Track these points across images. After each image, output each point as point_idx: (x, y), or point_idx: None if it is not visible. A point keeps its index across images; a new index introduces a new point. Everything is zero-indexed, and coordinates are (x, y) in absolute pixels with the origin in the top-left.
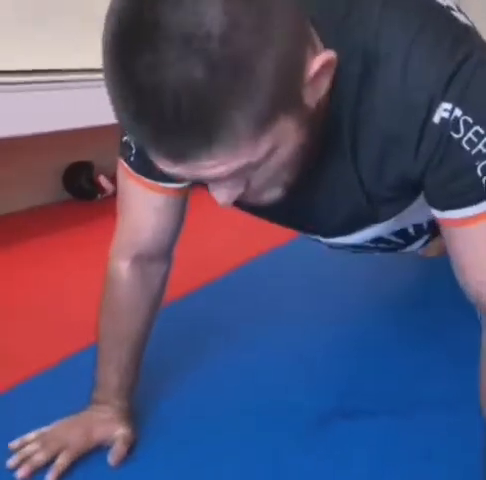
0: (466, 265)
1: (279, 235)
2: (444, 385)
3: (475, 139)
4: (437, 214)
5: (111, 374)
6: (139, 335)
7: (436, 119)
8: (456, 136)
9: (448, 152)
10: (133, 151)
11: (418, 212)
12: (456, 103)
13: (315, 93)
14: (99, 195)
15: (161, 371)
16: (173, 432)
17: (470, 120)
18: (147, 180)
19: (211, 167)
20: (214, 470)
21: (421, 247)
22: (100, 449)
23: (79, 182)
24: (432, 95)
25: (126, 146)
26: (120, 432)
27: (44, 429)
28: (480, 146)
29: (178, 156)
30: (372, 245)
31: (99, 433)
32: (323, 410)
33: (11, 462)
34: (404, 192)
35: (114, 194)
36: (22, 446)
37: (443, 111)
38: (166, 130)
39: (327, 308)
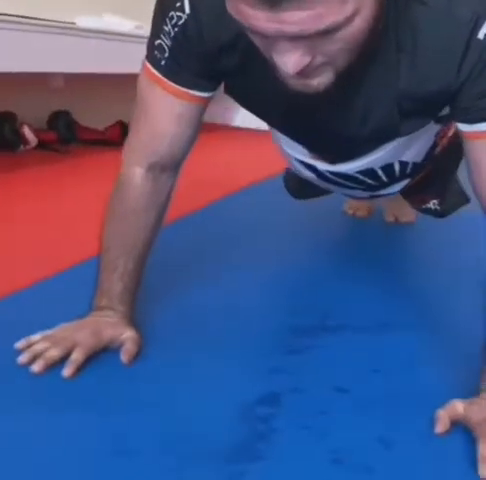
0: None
1: (258, 173)
2: (411, 309)
3: None
4: (465, 128)
5: (116, 281)
6: (145, 243)
7: (481, 35)
8: None
9: None
10: (166, 54)
11: (414, 144)
12: None
13: None
14: (22, 146)
15: (157, 285)
16: (176, 338)
17: None
18: (175, 86)
19: (301, 20)
20: (218, 370)
21: (391, 195)
22: (108, 351)
23: (2, 132)
24: (477, 13)
25: (159, 49)
26: (128, 334)
27: (49, 331)
28: None
29: (274, 1)
30: (360, 177)
31: (108, 334)
32: (307, 326)
33: (22, 358)
34: (433, 107)
35: (37, 146)
36: (29, 346)
37: None
38: None
39: (303, 240)
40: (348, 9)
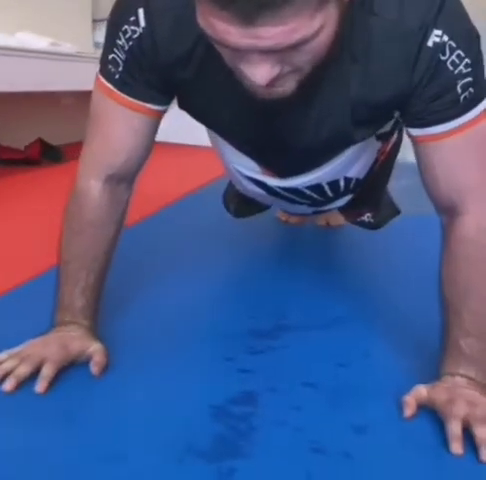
0: (440, 176)
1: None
2: (362, 304)
3: (457, 61)
4: (417, 132)
5: (78, 295)
6: (105, 255)
7: (430, 43)
8: (443, 58)
9: (436, 72)
10: (120, 68)
11: (359, 160)
12: (444, 30)
13: None
14: None
15: (116, 293)
16: (141, 346)
17: (454, 45)
18: (130, 98)
19: (274, 35)
20: (187, 374)
21: (332, 211)
22: (76, 366)
23: None
24: (426, 22)
25: (112, 63)
26: (95, 346)
27: (15, 349)
28: (461, 67)
29: (248, 17)
30: (308, 192)
31: (75, 347)
32: (266, 328)
33: None
34: (385, 113)
35: None
36: None
37: (435, 36)
38: None
39: (243, 247)
40: (316, 24)
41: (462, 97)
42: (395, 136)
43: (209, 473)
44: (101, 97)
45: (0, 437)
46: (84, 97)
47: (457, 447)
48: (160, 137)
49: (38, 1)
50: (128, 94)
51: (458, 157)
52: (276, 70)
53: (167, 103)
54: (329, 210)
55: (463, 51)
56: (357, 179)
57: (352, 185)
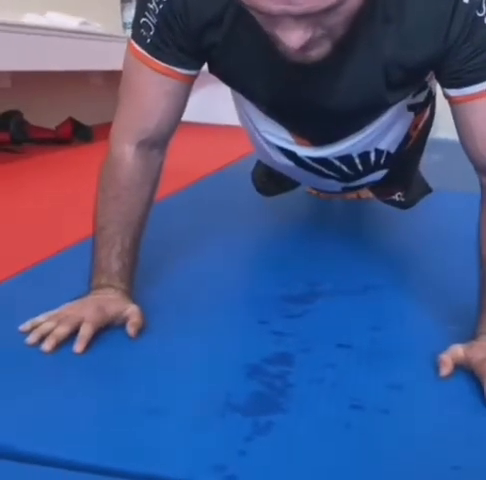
0: (477, 136)
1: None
2: (393, 271)
3: None
4: (454, 92)
5: (115, 259)
6: (141, 219)
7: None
8: (480, 14)
9: (473, 29)
10: (151, 32)
11: (390, 131)
12: None
13: None
14: None
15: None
16: (176, 310)
17: None
18: (162, 63)
19: (307, 0)
20: (223, 336)
21: (361, 188)
22: (111, 329)
23: None
24: None
25: (144, 27)
26: (132, 308)
27: (53, 312)
28: None
29: None
30: (337, 163)
31: (112, 309)
32: (299, 294)
33: (31, 338)
34: (420, 74)
35: None
36: (35, 327)
37: None
38: None
39: (276, 219)
40: None
41: None
42: (428, 113)
43: (248, 426)
44: (133, 62)
45: (42, 396)
46: (113, 77)
47: None
48: (185, 117)
49: None
50: (160, 59)
51: None
52: (309, 33)
53: (198, 68)
54: (359, 188)
55: None
56: (388, 152)
57: (383, 159)
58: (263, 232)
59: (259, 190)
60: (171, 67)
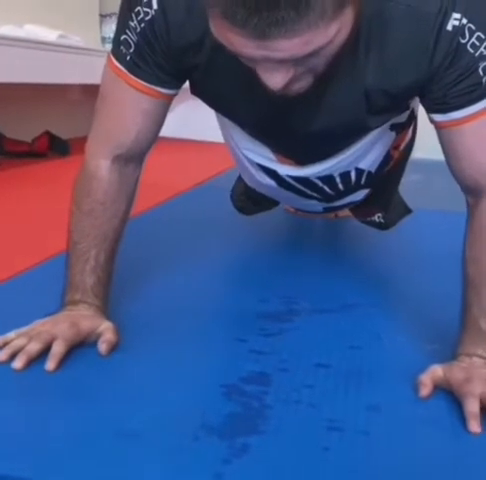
0: (464, 159)
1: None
2: (372, 290)
3: (477, 43)
4: (440, 118)
5: (89, 274)
6: (116, 234)
7: (449, 27)
8: (463, 41)
9: (457, 55)
10: (131, 50)
11: (371, 151)
12: (463, 13)
13: None
14: None
15: (125, 278)
16: (151, 327)
17: (473, 27)
18: (140, 81)
19: (289, 47)
20: (198, 355)
21: (342, 208)
22: (85, 346)
23: None
24: (445, 6)
25: (124, 44)
26: (106, 325)
27: (24, 328)
28: (481, 49)
29: (263, 33)
30: (319, 184)
31: (86, 325)
32: (276, 312)
33: (1, 355)
34: (402, 100)
35: None
36: (5, 344)
37: (454, 20)
38: (262, 5)
39: (254, 236)
40: (331, 32)
41: (484, 79)
42: (409, 134)
43: (223, 449)
44: (112, 78)
45: (10, 415)
46: (90, 91)
47: (475, 425)
48: (165, 132)
49: None
50: (139, 77)
51: (483, 140)
52: (290, 74)
53: (178, 87)
54: (339, 208)
55: (483, 33)
56: (369, 172)
57: (364, 179)
58: (241, 249)
59: (238, 209)
60: (150, 85)
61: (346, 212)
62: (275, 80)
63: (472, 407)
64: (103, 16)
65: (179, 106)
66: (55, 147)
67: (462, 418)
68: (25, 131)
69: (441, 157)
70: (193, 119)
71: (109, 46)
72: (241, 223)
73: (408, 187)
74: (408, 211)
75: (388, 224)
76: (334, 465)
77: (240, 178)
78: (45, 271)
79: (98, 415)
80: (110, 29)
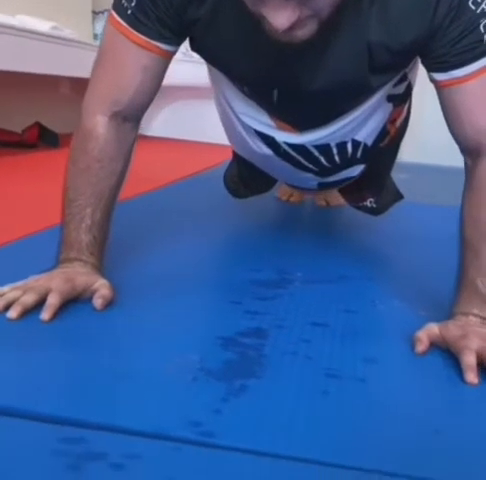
0: (465, 118)
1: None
2: (366, 263)
3: (479, 0)
4: (440, 76)
5: (85, 232)
6: (111, 192)
7: None
8: None
9: (458, 12)
10: (133, 3)
11: (368, 122)
12: None
13: None
14: None
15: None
16: (147, 289)
17: None
18: (141, 36)
19: None
20: (196, 312)
21: (336, 186)
22: (80, 301)
23: None
24: None
25: None
26: (101, 282)
27: (19, 283)
28: (483, 5)
29: None
30: (316, 153)
31: (81, 281)
32: (271, 280)
33: None
34: (404, 58)
35: None
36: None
37: None
38: None
39: (247, 220)
40: None
41: (485, 36)
42: (405, 112)
43: (222, 388)
44: (112, 32)
45: (7, 360)
46: (82, 86)
47: (472, 376)
48: (154, 132)
49: None
50: (139, 31)
51: (483, 98)
52: (296, 14)
53: (178, 44)
54: (335, 185)
55: None
56: (365, 145)
57: (360, 152)
58: (236, 230)
59: (230, 191)
60: (151, 41)
61: (337, 201)
62: (281, 20)
63: (469, 359)
64: (96, 13)
65: (168, 106)
66: (45, 138)
67: (459, 372)
68: (16, 122)
69: (426, 160)
70: (182, 119)
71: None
72: (232, 210)
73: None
74: (400, 196)
75: (380, 209)
76: (332, 407)
77: (233, 160)
78: (35, 241)
79: (95, 360)
80: (102, 26)
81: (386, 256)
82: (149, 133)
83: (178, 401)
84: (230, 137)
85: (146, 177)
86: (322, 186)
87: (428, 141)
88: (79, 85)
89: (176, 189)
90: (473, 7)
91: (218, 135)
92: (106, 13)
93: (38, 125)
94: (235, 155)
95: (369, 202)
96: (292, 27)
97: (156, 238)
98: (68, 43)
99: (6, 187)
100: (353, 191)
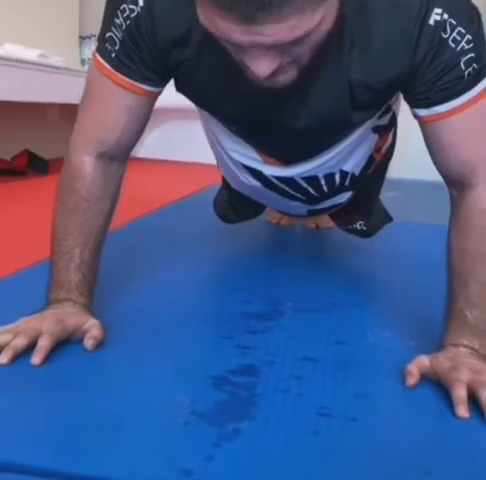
0: (450, 153)
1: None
2: (356, 291)
3: (459, 38)
4: (423, 112)
5: (74, 272)
6: (100, 232)
7: (431, 21)
8: (444, 36)
9: (439, 50)
10: (116, 47)
11: (355, 153)
12: (444, 8)
13: None
14: None
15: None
16: (137, 327)
17: (454, 22)
18: (125, 78)
19: (276, 32)
20: (186, 350)
21: (325, 212)
22: (70, 342)
23: None
24: (426, 2)
25: (110, 41)
26: (92, 322)
27: (8, 326)
28: (463, 43)
29: (250, 17)
30: (304, 185)
31: (71, 322)
32: (262, 312)
33: None
34: (386, 95)
35: None
36: None
37: (435, 15)
38: None
39: (237, 245)
40: (317, 17)
41: (466, 73)
42: (390, 138)
43: (214, 433)
44: (97, 74)
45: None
46: (70, 111)
47: (463, 410)
48: (145, 154)
49: (26, 17)
50: (124, 74)
51: (467, 132)
52: (277, 62)
53: (163, 85)
54: (324, 211)
55: (463, 28)
56: (352, 174)
57: (347, 181)
58: (224, 258)
59: (220, 216)
60: (135, 83)
61: (327, 223)
62: (262, 68)
63: (459, 393)
64: (83, 38)
65: (158, 128)
66: (34, 166)
67: (449, 406)
68: (5, 149)
69: (414, 176)
70: (172, 140)
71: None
72: (223, 234)
73: (386, 203)
74: (389, 219)
75: (370, 232)
76: (324, 449)
77: (223, 186)
78: (25, 278)
79: (86, 404)
80: (90, 50)
81: (377, 280)
82: (139, 155)
83: (169, 448)
84: (219, 166)
85: (137, 200)
86: (312, 213)
87: (416, 156)
88: (67, 111)
89: (166, 213)
90: (453, 45)
91: (208, 155)
92: (93, 38)
93: (27, 152)
94: (225, 181)
95: (359, 225)
96: (273, 74)
97: (145, 269)
98: (56, 70)
99: None
100: (343, 215)
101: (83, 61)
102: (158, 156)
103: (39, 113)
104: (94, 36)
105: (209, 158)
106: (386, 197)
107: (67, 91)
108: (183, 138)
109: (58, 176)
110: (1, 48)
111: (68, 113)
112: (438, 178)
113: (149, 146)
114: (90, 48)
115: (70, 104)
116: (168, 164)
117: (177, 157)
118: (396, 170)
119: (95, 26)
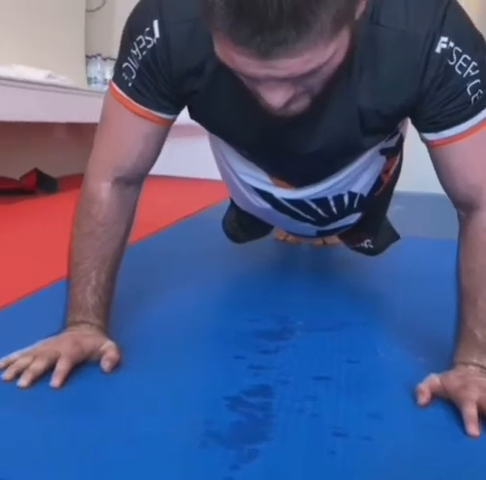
0: (457, 176)
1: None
2: (365, 309)
3: (464, 65)
4: (432, 137)
5: (90, 294)
6: (116, 254)
7: (438, 50)
8: (451, 63)
9: (446, 77)
10: (133, 77)
11: (363, 174)
12: (450, 36)
13: (360, 11)
14: None
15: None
16: (151, 348)
17: (460, 50)
18: (141, 107)
19: (289, 66)
20: (200, 371)
21: (334, 233)
22: (87, 364)
23: None
24: (433, 30)
25: (126, 71)
26: (108, 343)
27: (27, 349)
28: (469, 70)
29: (265, 53)
30: (314, 206)
31: (88, 344)
32: (273, 331)
33: (6, 374)
34: (394, 120)
35: None
36: (9, 364)
37: (442, 43)
38: (265, 25)
39: (247, 262)
40: (330, 51)
41: (472, 98)
42: (397, 160)
43: (231, 455)
44: (113, 103)
45: (18, 429)
46: (77, 130)
47: (474, 428)
48: (152, 171)
49: (33, 37)
50: (140, 102)
51: (473, 156)
52: (290, 93)
53: (177, 112)
54: (332, 232)
55: (469, 55)
56: (361, 195)
57: (356, 202)
58: (235, 275)
59: (229, 236)
60: (151, 111)
61: (334, 239)
62: (276, 99)
63: (470, 411)
64: (89, 57)
65: (166, 144)
66: (43, 185)
67: (460, 423)
68: (14, 169)
69: (421, 189)
70: (179, 156)
71: (95, 86)
72: (231, 251)
73: (392, 217)
74: (396, 237)
75: (377, 249)
76: (342, 469)
77: (231, 205)
78: (39, 299)
79: (105, 426)
80: (95, 70)
81: (385, 296)
82: None
83: (188, 470)
84: (229, 189)
85: (145, 220)
86: (320, 234)
87: (422, 169)
88: (74, 129)
89: (175, 232)
90: (459, 72)
91: (216, 172)
92: (99, 57)
93: (36, 171)
94: (233, 202)
95: (366, 243)
96: (287, 104)
97: (155, 288)
98: (63, 90)
99: (6, 235)
100: (350, 233)
101: (89, 80)
102: (164, 173)
103: (46, 132)
104: (100, 55)
105: (217, 174)
106: (392, 211)
107: (74, 110)
108: (189, 154)
109: (66, 194)
110: (11, 70)
111: (74, 131)
112: (443, 191)
113: (156, 163)
114: (96, 67)
115: (76, 123)
116: (175, 180)
117: (184, 173)
118: (401, 183)
119: (100, 45)
